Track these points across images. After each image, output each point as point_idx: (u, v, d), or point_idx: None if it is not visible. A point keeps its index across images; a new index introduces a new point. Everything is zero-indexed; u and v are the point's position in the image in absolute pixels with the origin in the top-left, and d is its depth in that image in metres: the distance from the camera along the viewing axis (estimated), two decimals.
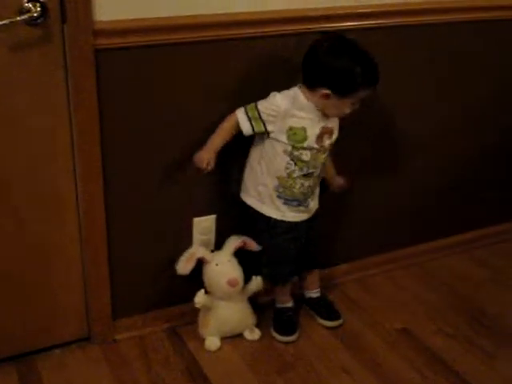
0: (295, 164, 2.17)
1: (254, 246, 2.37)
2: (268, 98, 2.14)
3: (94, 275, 2.26)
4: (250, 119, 2.14)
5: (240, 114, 2.15)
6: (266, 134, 2.17)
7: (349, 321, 2.57)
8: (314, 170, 2.21)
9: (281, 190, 2.23)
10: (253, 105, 2.14)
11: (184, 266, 2.30)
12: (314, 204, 2.34)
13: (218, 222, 2.40)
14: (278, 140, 2.15)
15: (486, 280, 2.91)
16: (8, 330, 2.23)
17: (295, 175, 2.20)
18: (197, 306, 2.30)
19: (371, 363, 2.36)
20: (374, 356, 2.39)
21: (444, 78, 2.65)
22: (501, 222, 3.23)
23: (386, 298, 2.74)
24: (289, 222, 2.30)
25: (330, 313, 2.56)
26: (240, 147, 2.25)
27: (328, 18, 2.23)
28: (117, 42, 1.95)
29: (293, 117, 2.12)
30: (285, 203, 2.26)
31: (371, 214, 2.77)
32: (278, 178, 2.21)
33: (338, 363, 2.35)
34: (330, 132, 2.20)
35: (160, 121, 2.14)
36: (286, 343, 2.43)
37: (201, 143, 2.20)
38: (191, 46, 2.07)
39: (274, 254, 2.37)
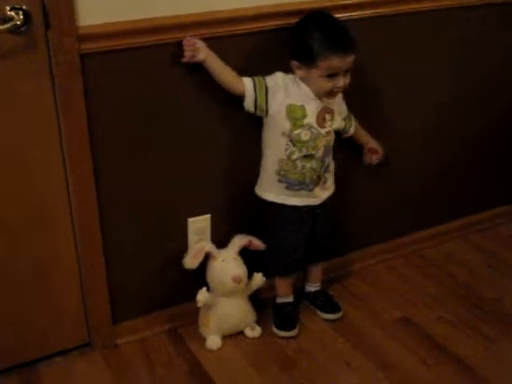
0: (294, 145, 2.18)
1: (259, 245, 2.38)
2: (271, 76, 2.18)
3: (91, 280, 2.25)
4: (255, 88, 2.15)
5: (247, 84, 2.16)
6: (264, 115, 2.19)
7: (349, 312, 2.57)
8: (314, 152, 2.21)
9: (282, 173, 2.24)
10: (260, 78, 2.17)
11: (192, 261, 2.30)
12: (320, 191, 2.33)
13: (213, 221, 2.40)
14: (276, 120, 2.18)
15: (482, 265, 2.92)
16: (9, 341, 2.22)
17: (295, 157, 2.20)
18: (199, 304, 2.30)
19: (373, 354, 2.36)
20: (375, 346, 2.40)
21: (441, 66, 2.66)
22: (494, 207, 3.23)
23: (385, 287, 2.74)
24: (292, 210, 2.30)
25: (330, 306, 2.56)
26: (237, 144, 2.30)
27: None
28: (102, 45, 1.95)
29: (292, 95, 2.15)
30: (287, 187, 2.26)
31: (368, 204, 2.77)
32: (279, 161, 2.22)
33: (340, 355, 2.35)
34: (331, 112, 2.21)
35: (150, 122, 2.14)
36: (287, 338, 2.43)
37: (194, 142, 2.23)
38: (178, 46, 2.06)
39: (277, 244, 2.37)
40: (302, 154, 2.20)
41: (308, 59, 2.08)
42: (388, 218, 2.87)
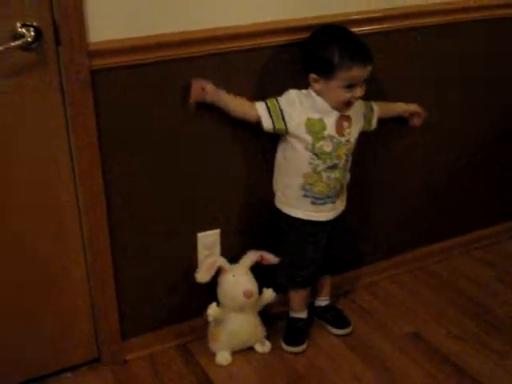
0: (318, 158, 2.19)
1: (271, 259, 2.37)
2: (285, 95, 2.19)
3: (100, 296, 2.25)
4: (269, 112, 2.17)
5: (261, 109, 2.17)
6: (285, 133, 2.20)
7: (358, 327, 2.56)
8: (337, 161, 2.22)
9: (307, 187, 2.24)
10: (273, 100, 2.18)
11: (204, 275, 2.30)
12: (340, 203, 2.35)
13: (223, 236, 2.40)
14: (297, 136, 2.18)
15: (490, 280, 2.91)
16: (19, 356, 2.22)
17: (320, 169, 2.21)
18: (209, 318, 2.30)
19: (383, 369, 2.35)
20: (385, 362, 2.39)
21: (443, 79, 2.67)
22: (498, 223, 3.23)
23: (394, 303, 2.74)
24: (315, 224, 2.30)
25: (340, 320, 2.56)
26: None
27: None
28: (112, 61, 1.96)
29: (308, 109, 2.16)
30: (312, 202, 2.27)
31: (375, 220, 2.77)
32: (304, 175, 2.23)
33: (350, 371, 2.34)
34: (348, 119, 2.21)
35: (160, 138, 2.15)
36: (297, 354, 2.42)
37: (204, 157, 2.24)
38: (188, 62, 2.08)
39: (297, 257, 2.37)
40: (327, 166, 2.21)
41: (327, 71, 2.09)
42: (395, 234, 2.87)
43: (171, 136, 2.16)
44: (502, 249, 3.16)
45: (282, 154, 2.28)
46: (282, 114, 2.17)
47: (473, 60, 2.71)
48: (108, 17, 1.92)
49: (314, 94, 2.16)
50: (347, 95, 2.12)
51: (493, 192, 3.13)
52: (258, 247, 2.38)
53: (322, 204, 2.27)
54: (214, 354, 2.38)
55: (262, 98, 2.19)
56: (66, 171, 2.05)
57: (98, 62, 1.94)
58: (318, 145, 2.17)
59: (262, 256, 2.36)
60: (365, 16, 2.33)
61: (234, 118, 2.18)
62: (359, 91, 2.13)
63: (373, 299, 2.76)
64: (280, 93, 2.19)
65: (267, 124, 2.18)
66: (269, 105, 2.17)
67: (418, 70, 2.58)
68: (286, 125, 2.17)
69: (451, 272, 2.96)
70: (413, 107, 2.51)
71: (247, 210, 2.42)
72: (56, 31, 1.87)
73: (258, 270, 2.37)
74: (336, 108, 2.17)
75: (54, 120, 1.98)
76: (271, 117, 2.17)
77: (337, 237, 2.41)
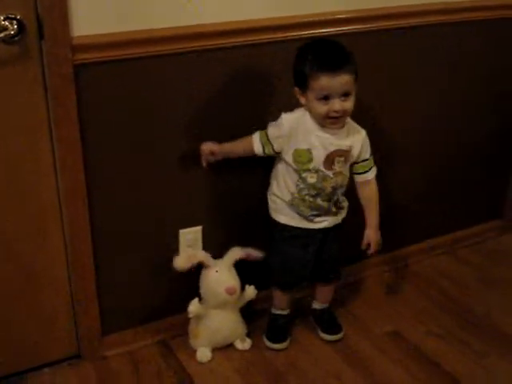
0: (303, 183, 2.18)
1: (257, 255, 2.36)
2: (276, 121, 2.17)
3: (81, 292, 2.24)
4: (261, 142, 2.19)
5: (255, 138, 2.20)
6: (276, 155, 2.22)
7: None
8: (321, 192, 2.20)
9: (294, 203, 2.23)
10: (264, 131, 2.19)
11: (183, 262, 2.28)
12: (332, 218, 2.30)
13: (205, 233, 2.39)
14: (286, 160, 2.18)
15: (471, 279, 2.92)
16: None
17: (304, 193, 2.20)
18: (190, 315, 2.30)
19: (363, 368, 2.35)
20: (366, 361, 2.39)
21: (431, 81, 2.69)
22: (482, 222, 3.25)
23: (375, 301, 2.75)
24: (303, 230, 2.28)
25: (330, 326, 2.52)
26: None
27: (307, 25, 2.25)
28: (95, 56, 1.95)
29: (298, 137, 2.14)
30: (300, 215, 2.25)
31: (357, 218, 2.76)
32: (291, 193, 2.22)
33: (331, 370, 2.34)
34: (345, 155, 2.17)
35: (143, 134, 2.14)
36: (278, 351, 2.42)
37: (186, 153, 2.24)
38: (170, 58, 2.07)
39: (283, 260, 2.35)
40: (311, 194, 2.19)
41: (302, 83, 2.06)
42: (379, 232, 2.86)
43: (155, 132, 2.16)
44: (487, 248, 3.18)
45: (278, 166, 2.26)
46: (270, 142, 2.18)
47: (461, 63, 2.75)
48: (92, 11, 1.92)
49: (307, 112, 2.13)
50: (324, 108, 2.05)
51: (476, 191, 3.14)
52: (240, 244, 2.37)
53: (309, 218, 2.26)
54: (194, 351, 2.38)
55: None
56: (47, 165, 2.04)
57: (81, 56, 1.93)
58: (302, 175, 2.16)
59: (248, 254, 2.35)
60: (343, 16, 2.35)
61: (215, 98, 2.22)
62: (337, 104, 2.04)
63: (354, 297, 2.76)
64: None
65: (258, 149, 2.20)
66: (260, 136, 2.19)
67: (414, 70, 2.62)
68: (274, 150, 2.18)
69: (433, 271, 2.98)
70: (370, 235, 2.37)
71: (229, 207, 2.42)
72: (39, 25, 1.85)
73: (240, 266, 2.36)
74: (322, 125, 2.11)
75: (36, 113, 1.96)
76: (263, 148, 2.19)
77: (331, 245, 2.36)
